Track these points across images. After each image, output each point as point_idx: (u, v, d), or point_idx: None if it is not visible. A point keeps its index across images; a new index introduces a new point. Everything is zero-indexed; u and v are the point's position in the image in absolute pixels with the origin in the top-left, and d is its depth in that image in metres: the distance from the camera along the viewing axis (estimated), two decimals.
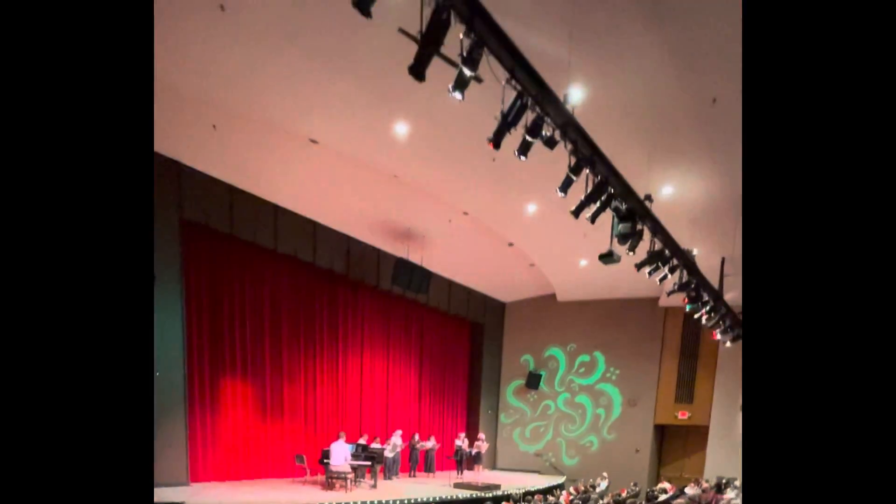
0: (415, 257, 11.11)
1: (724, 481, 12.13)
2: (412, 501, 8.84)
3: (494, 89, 4.32)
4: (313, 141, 7.46)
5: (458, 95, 4.28)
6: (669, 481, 13.42)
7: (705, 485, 11.57)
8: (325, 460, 9.58)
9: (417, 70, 4.00)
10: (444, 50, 3.96)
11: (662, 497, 9.83)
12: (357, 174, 8.28)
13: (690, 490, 10.51)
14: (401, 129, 6.80)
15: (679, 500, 9.36)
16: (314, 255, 10.45)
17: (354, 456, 9.96)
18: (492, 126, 4.68)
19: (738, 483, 11.61)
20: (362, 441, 10.83)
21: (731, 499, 8.83)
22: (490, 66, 4.17)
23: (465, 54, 4.01)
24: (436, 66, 3.98)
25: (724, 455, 14.59)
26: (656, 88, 5.53)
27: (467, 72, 4.10)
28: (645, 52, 5.01)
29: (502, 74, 4.29)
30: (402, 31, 3.86)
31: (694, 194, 7.99)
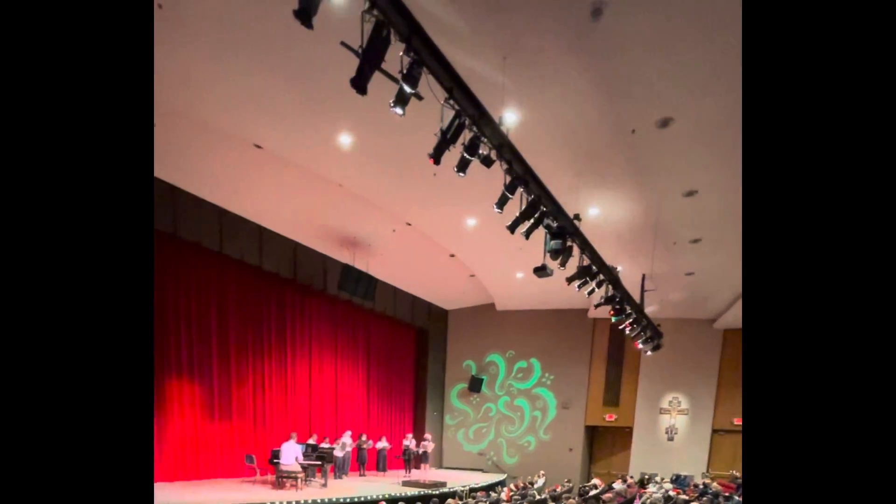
0: (360, 264, 10.86)
1: (646, 477, 12.39)
2: (362, 499, 8.48)
3: (436, 105, 4.21)
4: (257, 146, 7.08)
5: (398, 111, 4.14)
6: (599, 478, 13.53)
7: (630, 480, 11.81)
8: (276, 460, 9.14)
9: (359, 84, 3.83)
10: (386, 66, 3.79)
11: (593, 492, 9.86)
12: (302, 181, 7.94)
13: (618, 485, 10.64)
14: (345, 139, 6.56)
15: (608, 495, 9.42)
16: (261, 260, 9.97)
17: (305, 455, 9.51)
18: (433, 142, 4.54)
19: (658, 479, 11.82)
20: (312, 441, 10.37)
21: (653, 493, 8.91)
22: (429, 85, 4.04)
23: (404, 71, 3.87)
24: (379, 81, 3.82)
25: (646, 453, 14.94)
26: (582, 116, 5.60)
27: (407, 88, 3.97)
28: (571, 81, 5.07)
29: (441, 94, 4.16)
30: (344, 44, 3.71)
31: (617, 216, 8.17)
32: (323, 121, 6.22)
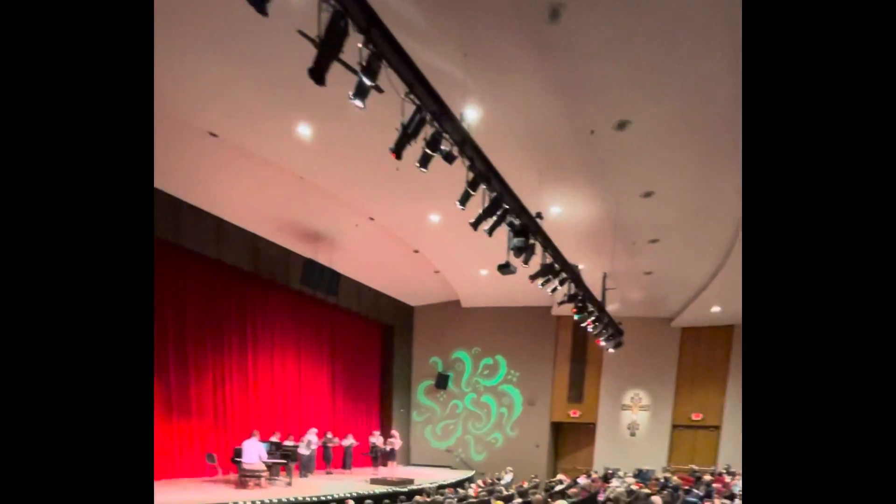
0: (324, 259, 10.60)
1: (610, 472, 12.61)
2: (329, 498, 8.27)
3: (397, 99, 4.15)
4: (213, 134, 6.80)
5: (358, 103, 4.05)
6: (565, 473, 13.69)
7: (595, 475, 12.00)
8: (238, 459, 8.81)
9: (317, 74, 3.73)
10: (346, 57, 3.70)
11: (559, 487, 9.95)
12: (261, 172, 7.68)
13: (582, 480, 10.78)
14: (304, 130, 6.37)
15: (573, 490, 9.54)
16: (220, 252, 9.59)
17: (269, 454, 9.23)
18: (395, 136, 4.47)
19: (621, 473, 12.04)
20: (276, 439, 10.07)
21: (616, 487, 9.07)
22: (390, 79, 3.98)
23: (364, 64, 3.80)
24: (340, 72, 3.72)
25: (609, 448, 15.21)
26: (542, 115, 5.64)
27: (367, 81, 3.89)
28: (531, 81, 5.11)
29: (402, 88, 4.10)
30: (301, 32, 3.61)
31: (578, 215, 8.28)
32: (281, 111, 6.02)
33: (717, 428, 14.35)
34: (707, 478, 10.44)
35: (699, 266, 10.18)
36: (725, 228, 8.34)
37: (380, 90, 4.03)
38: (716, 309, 12.65)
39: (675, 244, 9.23)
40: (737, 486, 9.35)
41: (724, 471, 12.38)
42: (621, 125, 5.76)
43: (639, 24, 4.36)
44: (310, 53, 3.62)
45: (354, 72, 3.88)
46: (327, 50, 3.63)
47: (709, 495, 8.82)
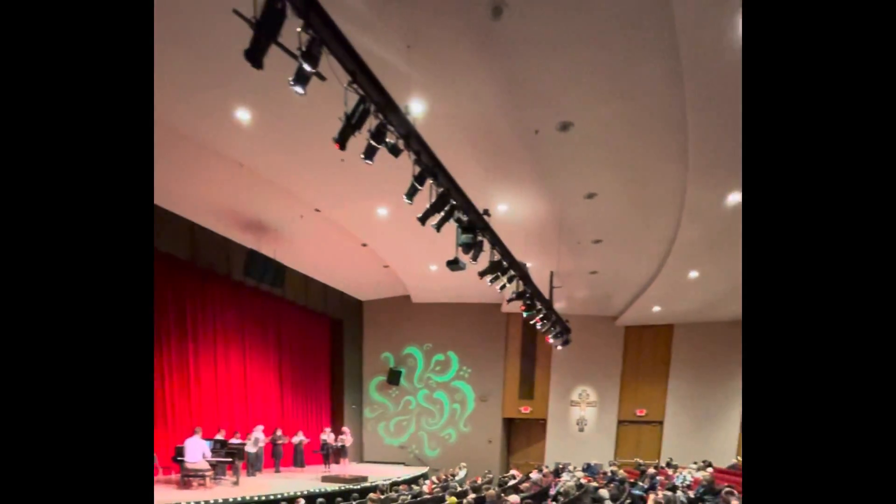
0: (267, 250, 10.24)
1: (560, 466, 12.84)
2: (278, 497, 7.95)
3: (341, 89, 4.03)
4: None
5: (299, 90, 3.92)
6: (517, 468, 13.83)
7: (546, 470, 12.19)
8: (180, 458, 8.36)
9: (253, 56, 3.59)
10: (287, 42, 3.58)
11: (512, 482, 10.05)
12: (198, 156, 7.28)
13: (534, 475, 10.95)
14: (243, 115, 6.09)
15: (525, 485, 9.67)
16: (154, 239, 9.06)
17: (213, 452, 8.81)
18: (339, 126, 4.36)
19: (571, 468, 12.30)
20: (220, 436, 9.62)
21: (567, 481, 9.26)
22: (331, 67, 3.87)
23: (303, 49, 3.68)
24: (280, 56, 3.59)
25: (559, 444, 15.51)
26: (487, 113, 5.66)
27: (307, 67, 3.77)
28: (475, 77, 5.12)
29: (344, 77, 4.00)
30: (236, 12, 3.45)
31: (525, 214, 8.36)
32: (218, 92, 5.72)
33: (660, 423, 14.92)
34: (651, 471, 10.86)
35: (640, 267, 10.53)
36: (664, 232, 8.66)
37: (322, 77, 3.91)
38: (656, 308, 13.14)
39: (617, 245, 9.49)
40: (678, 478, 9.75)
41: (667, 464, 12.92)
42: (564, 126, 5.86)
43: (577, 27, 4.44)
44: (249, 34, 3.48)
45: (294, 57, 3.76)
46: (264, 32, 3.49)
47: (653, 487, 9.20)
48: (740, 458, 13.46)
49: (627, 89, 5.28)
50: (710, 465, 11.39)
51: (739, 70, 4.64)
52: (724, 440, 14.12)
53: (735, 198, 7.16)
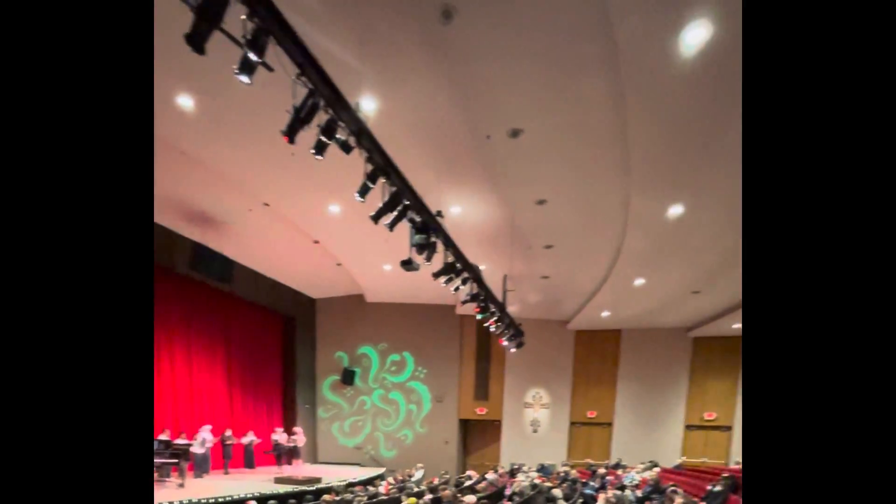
0: (214, 244, 9.86)
1: (515, 467, 12.95)
2: (227, 499, 7.61)
3: (289, 80, 3.92)
4: None
5: (244, 79, 3.80)
6: (473, 469, 13.85)
7: (501, 471, 12.29)
8: None
9: (195, 41, 3.45)
10: (232, 29, 3.46)
11: (468, 483, 10.04)
12: None
13: (490, 476, 11.00)
14: (185, 101, 5.83)
15: (481, 485, 9.69)
16: None
17: (157, 453, 8.38)
18: (287, 118, 4.24)
19: (525, 468, 12.44)
20: (165, 436, 9.15)
21: (521, 481, 9.36)
22: (279, 58, 3.77)
23: (249, 37, 3.57)
24: (227, 41, 3.46)
25: (514, 445, 15.64)
26: (440, 115, 5.67)
27: (253, 56, 3.66)
28: (427, 79, 5.13)
29: (292, 69, 3.91)
30: None
31: (478, 217, 8.38)
32: (158, 76, 5.35)
33: (610, 425, 15.31)
34: (601, 471, 11.14)
35: (590, 273, 10.79)
36: (612, 240, 8.92)
37: (269, 68, 3.80)
38: (605, 314, 13.52)
39: (567, 251, 9.69)
40: (627, 478, 10.04)
41: (616, 464, 13.30)
42: (515, 133, 5.95)
43: (525, 38, 4.52)
44: (188, 18, 3.35)
45: (239, 45, 3.64)
46: (206, 17, 3.38)
47: (603, 487, 9.48)
48: (685, 459, 14.03)
49: (573, 101, 5.40)
50: (656, 465, 11.83)
51: (680, 89, 4.87)
52: (669, 441, 14.66)
53: (676, 210, 7.46)
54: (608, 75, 4.92)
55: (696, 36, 4.29)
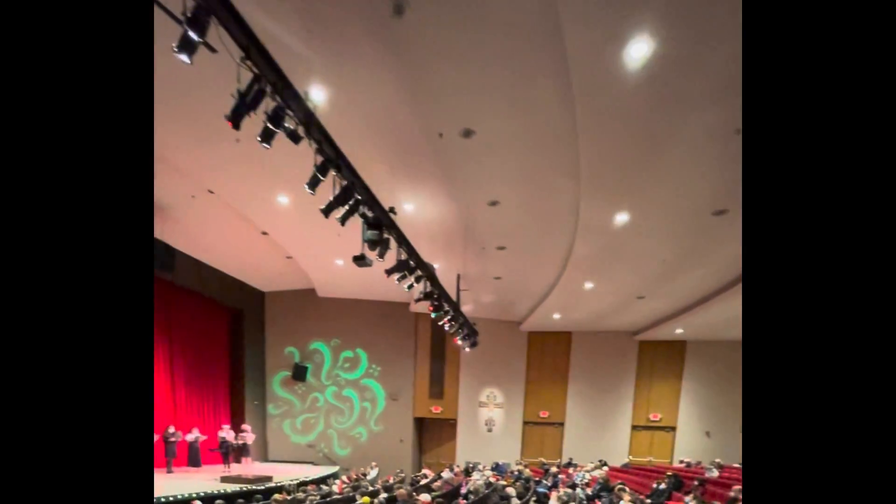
0: (154, 230, 9.29)
1: (471, 465, 12.99)
2: (170, 499, 7.18)
3: (234, 63, 3.75)
4: None
5: (184, 58, 3.61)
6: (429, 467, 13.79)
7: (457, 469, 12.28)
8: None
9: None
10: (171, 4, 3.29)
11: (424, 481, 9.97)
12: None
13: (446, 474, 11.00)
14: None
15: (437, 483, 9.67)
16: None
17: None
18: (232, 102, 4.07)
19: (480, 467, 12.56)
20: None
21: (476, 480, 9.39)
22: (222, 39, 3.61)
23: (189, 15, 3.40)
24: (165, 20, 3.28)
25: (469, 443, 15.69)
26: (391, 109, 5.60)
27: (193, 35, 3.49)
28: (378, 72, 5.05)
29: (237, 51, 3.75)
30: None
31: (432, 215, 8.33)
32: None
33: (562, 424, 15.61)
34: (554, 469, 11.32)
35: (541, 275, 10.97)
36: (562, 244, 9.09)
37: (212, 49, 3.64)
38: (557, 316, 13.78)
39: (519, 253, 9.81)
40: (578, 476, 10.26)
41: (567, 463, 13.58)
42: (467, 133, 5.95)
43: (476, 39, 4.52)
44: None
45: (179, 22, 3.47)
46: None
47: (555, 485, 9.66)
48: (632, 458, 14.49)
49: (525, 106, 5.44)
50: (605, 464, 12.16)
51: (629, 100, 5.00)
52: (617, 441, 15.11)
53: (622, 217, 7.69)
54: (559, 82, 4.98)
55: (639, 50, 4.44)
